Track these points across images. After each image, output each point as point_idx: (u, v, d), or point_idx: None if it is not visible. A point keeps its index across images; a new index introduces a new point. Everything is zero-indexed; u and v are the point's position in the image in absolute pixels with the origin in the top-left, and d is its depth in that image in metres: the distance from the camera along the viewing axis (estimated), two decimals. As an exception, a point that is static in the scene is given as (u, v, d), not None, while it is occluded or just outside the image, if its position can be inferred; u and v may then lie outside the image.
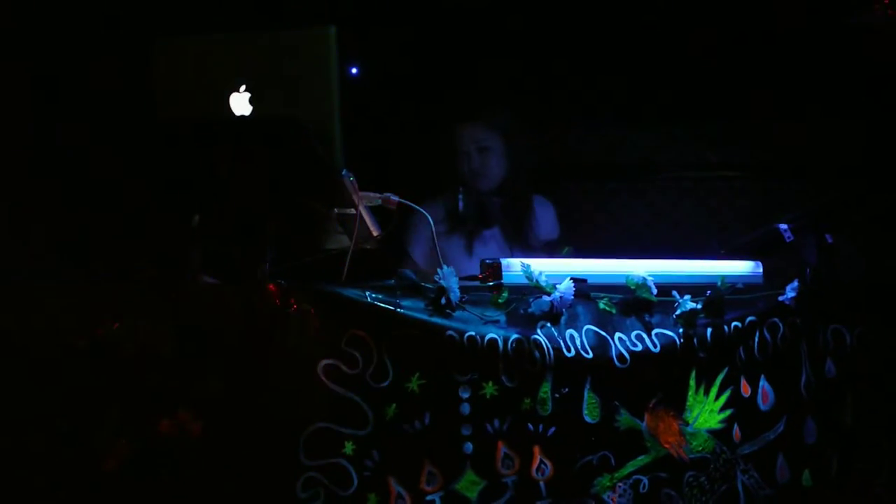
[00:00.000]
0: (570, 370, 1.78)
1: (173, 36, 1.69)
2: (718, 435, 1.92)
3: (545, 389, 1.76)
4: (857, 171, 3.60)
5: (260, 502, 1.58)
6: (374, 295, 1.68)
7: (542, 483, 1.76)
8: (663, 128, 4.24)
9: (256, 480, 1.59)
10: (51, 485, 1.49)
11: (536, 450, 1.76)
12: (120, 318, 1.55)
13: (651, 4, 3.61)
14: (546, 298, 1.79)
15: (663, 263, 1.99)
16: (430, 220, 1.82)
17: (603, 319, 1.85)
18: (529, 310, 1.79)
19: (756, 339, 1.98)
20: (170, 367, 1.56)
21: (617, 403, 1.81)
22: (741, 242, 2.38)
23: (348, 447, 1.63)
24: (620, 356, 1.83)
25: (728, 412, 1.94)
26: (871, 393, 2.13)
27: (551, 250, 2.63)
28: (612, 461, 1.80)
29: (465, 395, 1.72)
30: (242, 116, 1.65)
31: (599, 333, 1.83)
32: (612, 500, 1.80)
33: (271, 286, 1.59)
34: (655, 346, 1.86)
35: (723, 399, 1.94)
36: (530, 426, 1.75)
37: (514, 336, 1.75)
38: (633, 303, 1.89)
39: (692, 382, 1.91)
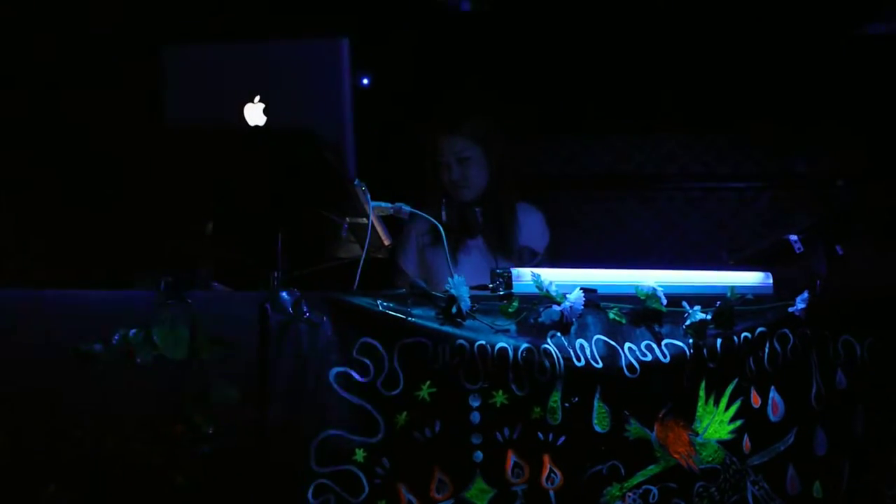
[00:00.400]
0: (579, 380, 1.79)
1: (186, 44, 1.72)
2: (728, 446, 1.92)
3: (555, 399, 1.77)
4: (866, 181, 3.60)
5: (271, 509, 1.60)
6: (385, 303, 1.69)
7: (551, 492, 1.76)
8: (672, 138, 4.27)
9: (268, 486, 1.60)
10: (62, 488, 1.51)
11: (546, 459, 1.76)
12: (135, 324, 1.57)
13: (661, 15, 3.63)
14: (556, 308, 1.80)
15: (673, 274, 2.00)
16: (443, 231, 1.83)
17: (613, 329, 1.85)
18: (540, 319, 1.79)
19: (766, 350, 1.99)
20: (184, 373, 1.58)
21: (627, 413, 1.81)
22: (751, 253, 2.38)
23: (359, 454, 1.65)
24: (630, 366, 1.83)
25: (738, 423, 1.94)
26: (882, 404, 2.13)
27: (521, 257, 2.65)
28: (622, 471, 1.81)
29: (476, 404, 1.73)
30: (257, 126, 1.67)
31: (609, 343, 1.84)
32: (621, 509, 1.81)
33: (283, 293, 1.61)
34: (665, 357, 1.87)
35: (733, 410, 1.94)
36: (540, 435, 1.76)
37: (525, 345, 1.76)
38: (643, 313, 1.89)
39: (702, 393, 1.91)
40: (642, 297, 1.89)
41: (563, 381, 1.77)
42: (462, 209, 2.62)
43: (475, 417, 1.72)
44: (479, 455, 1.72)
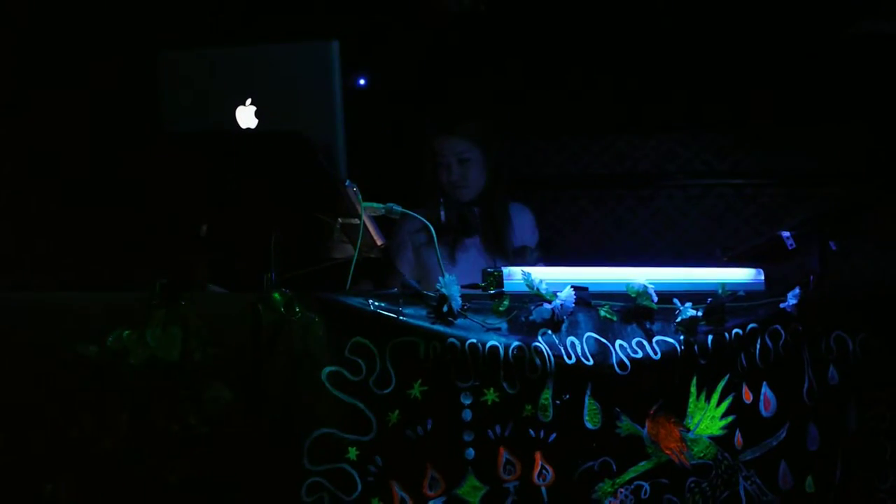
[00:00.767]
0: (570, 377, 1.80)
1: (179, 48, 1.74)
2: (720, 441, 1.93)
3: (546, 396, 1.78)
4: (865, 177, 3.60)
5: (265, 507, 1.61)
6: (376, 303, 1.71)
7: (543, 489, 1.78)
8: (671, 135, 4.27)
9: (261, 485, 1.62)
10: (60, 487, 1.53)
11: (538, 456, 1.78)
12: (129, 325, 1.59)
13: (660, 13, 3.64)
14: (547, 306, 1.81)
15: (664, 271, 2.01)
16: (433, 229, 1.85)
17: (604, 327, 1.87)
18: (531, 317, 1.81)
19: (758, 346, 2.00)
20: (178, 374, 1.60)
21: (618, 410, 1.83)
22: (744, 250, 2.39)
23: (352, 453, 1.66)
24: (621, 363, 1.85)
25: (730, 419, 1.95)
26: (874, 399, 2.14)
27: (522, 257, 2.69)
28: (614, 467, 1.82)
29: (467, 402, 1.74)
30: (248, 129, 1.69)
31: (600, 341, 1.85)
32: (613, 505, 1.82)
33: (275, 293, 1.63)
34: (656, 354, 1.88)
35: (724, 406, 1.95)
36: (532, 432, 1.77)
37: (516, 343, 1.78)
38: (635, 310, 1.91)
39: (693, 389, 1.92)
40: (633, 295, 1.91)
41: (553, 379, 1.78)
42: (461, 209, 2.65)
43: (467, 415, 1.74)
44: (470, 452, 1.74)
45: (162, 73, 1.71)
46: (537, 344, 1.79)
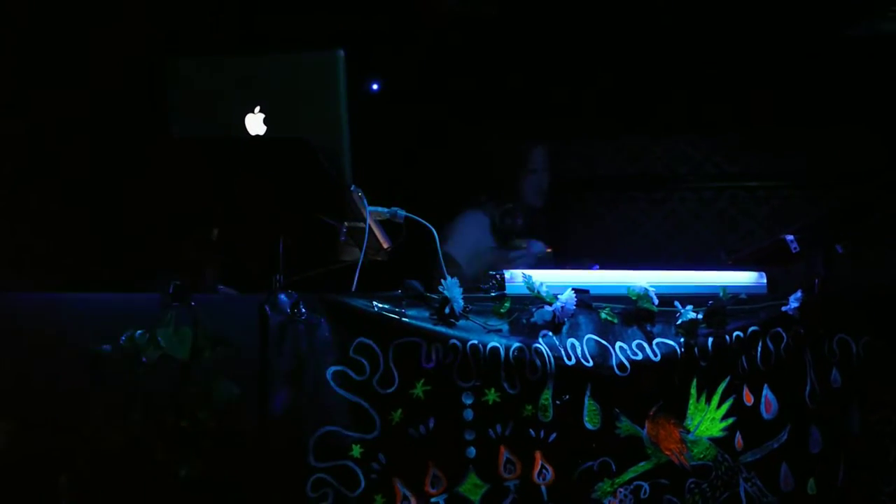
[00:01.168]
0: (570, 378, 1.84)
1: (188, 54, 1.80)
2: (720, 443, 1.96)
3: (546, 396, 1.82)
4: (873, 178, 3.59)
5: (271, 501, 1.66)
6: (380, 304, 1.76)
7: (543, 487, 1.81)
8: (683, 138, 4.28)
9: (268, 480, 1.67)
10: (74, 480, 1.59)
11: (538, 455, 1.81)
12: (142, 325, 1.65)
13: (671, 16, 3.65)
14: (548, 308, 1.85)
15: (666, 274, 2.04)
16: (436, 233, 1.89)
17: (604, 329, 1.90)
18: (532, 319, 1.85)
19: (759, 349, 2.01)
20: (188, 372, 1.65)
21: (617, 411, 1.86)
22: (747, 253, 2.41)
23: (356, 450, 1.71)
24: (621, 365, 1.88)
25: (730, 420, 1.97)
26: (878, 402, 2.14)
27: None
28: (613, 467, 1.85)
29: (469, 402, 1.78)
30: (256, 136, 1.75)
31: (600, 342, 1.88)
32: (612, 504, 1.85)
33: (282, 295, 1.68)
34: (656, 355, 1.91)
35: (725, 407, 1.97)
36: (532, 432, 1.81)
37: (516, 345, 1.81)
38: (635, 313, 1.94)
39: (693, 391, 1.94)
40: (634, 298, 1.93)
41: (553, 380, 1.82)
42: (532, 214, 2.88)
43: (468, 415, 1.78)
44: (472, 451, 1.77)
45: (170, 79, 1.77)
46: (538, 345, 1.83)
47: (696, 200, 4.30)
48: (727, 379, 1.97)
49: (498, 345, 1.80)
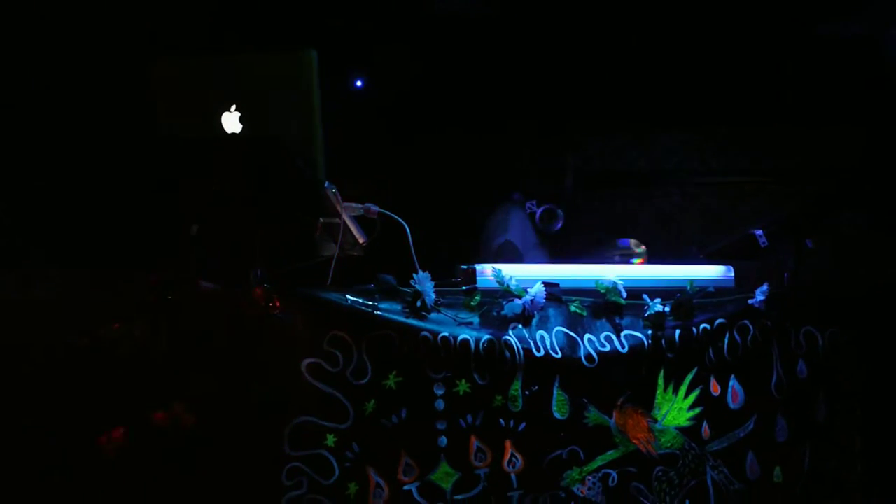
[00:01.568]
0: (539, 369, 1.89)
1: (170, 56, 1.84)
2: (687, 432, 2.01)
3: (516, 387, 1.87)
4: (858, 174, 3.63)
5: (247, 490, 1.71)
6: (353, 298, 1.80)
7: (513, 475, 1.86)
8: (668, 134, 4.32)
9: (244, 469, 1.72)
10: (52, 472, 1.64)
11: (508, 444, 1.86)
12: (119, 319, 1.70)
13: (658, 14, 3.69)
14: (518, 301, 1.90)
15: (635, 268, 2.09)
16: (408, 229, 1.94)
17: (574, 321, 1.95)
18: (502, 312, 1.90)
19: (726, 341, 2.06)
20: (165, 364, 1.70)
21: (585, 401, 1.91)
22: (718, 248, 2.46)
23: (330, 440, 1.76)
24: (589, 356, 1.93)
25: (697, 410, 2.02)
26: (844, 392, 2.20)
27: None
28: (582, 455, 1.90)
29: (440, 392, 1.83)
30: (232, 134, 1.79)
31: (569, 335, 1.93)
32: (581, 492, 1.90)
33: (257, 290, 1.73)
34: (624, 347, 1.96)
35: (692, 398, 2.03)
36: (502, 422, 1.86)
37: (486, 337, 1.86)
38: (604, 306, 1.99)
39: (661, 381, 1.99)
40: (603, 291, 1.98)
41: (523, 371, 1.87)
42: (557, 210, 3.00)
43: (440, 405, 1.83)
44: (443, 440, 1.83)
45: (154, 80, 1.81)
46: (507, 337, 1.88)
47: (680, 195, 4.36)
48: (694, 370, 2.02)
49: (468, 337, 1.85)
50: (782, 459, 2.10)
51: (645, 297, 2.01)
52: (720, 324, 2.06)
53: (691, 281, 2.05)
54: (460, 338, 1.84)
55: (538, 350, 1.89)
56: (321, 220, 1.91)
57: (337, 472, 1.76)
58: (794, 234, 2.32)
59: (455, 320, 1.85)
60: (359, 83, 3.38)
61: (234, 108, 1.81)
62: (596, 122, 4.12)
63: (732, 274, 2.17)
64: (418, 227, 1.97)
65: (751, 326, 2.09)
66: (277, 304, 1.73)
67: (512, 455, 1.87)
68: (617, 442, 1.94)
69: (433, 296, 1.84)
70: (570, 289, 1.99)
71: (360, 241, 2.03)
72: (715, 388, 2.05)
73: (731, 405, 2.06)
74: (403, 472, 1.81)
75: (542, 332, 1.91)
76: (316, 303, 1.79)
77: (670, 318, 2.01)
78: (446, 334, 1.83)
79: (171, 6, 2.64)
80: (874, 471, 2.17)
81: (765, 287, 2.10)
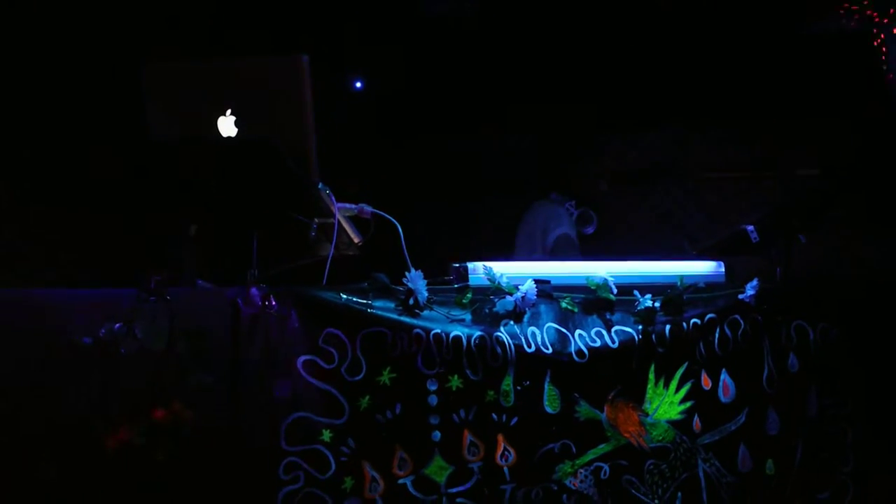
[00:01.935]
0: (530, 364, 1.92)
1: (165, 62, 1.88)
2: (679, 425, 2.03)
3: (507, 382, 1.90)
4: (858, 170, 3.64)
5: (245, 484, 1.75)
6: (347, 296, 1.84)
7: (506, 469, 1.90)
8: (668, 132, 4.34)
9: (241, 464, 1.76)
10: (57, 465, 1.69)
11: (500, 438, 1.90)
12: (121, 318, 1.75)
13: (658, 12, 3.70)
14: (510, 298, 1.93)
15: (626, 264, 2.11)
16: (400, 228, 1.97)
17: (565, 317, 1.98)
18: (494, 309, 1.93)
19: (716, 336, 2.09)
20: (165, 362, 1.75)
21: (577, 395, 1.94)
22: (711, 243, 2.48)
23: (326, 435, 1.80)
24: (579, 351, 1.96)
25: (688, 404, 2.05)
26: (835, 385, 2.21)
27: None
28: (574, 449, 1.93)
29: (433, 388, 1.87)
30: (227, 137, 1.83)
31: (560, 330, 1.96)
32: (573, 485, 1.93)
33: (253, 289, 1.77)
34: (614, 342, 1.99)
35: (683, 392, 2.05)
36: (494, 416, 1.89)
37: (478, 333, 1.90)
38: (596, 302, 2.02)
39: (651, 376, 2.02)
40: (593, 287, 2.02)
41: (514, 366, 1.90)
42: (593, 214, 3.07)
43: (433, 400, 1.87)
44: (437, 435, 1.86)
45: (148, 84, 1.85)
46: (499, 334, 1.91)
47: (679, 191, 4.38)
48: (685, 364, 2.05)
49: (460, 334, 1.89)
50: (774, 452, 2.12)
51: (636, 293, 2.04)
52: (711, 319, 2.09)
53: (681, 277, 2.08)
54: (452, 334, 1.88)
55: (529, 346, 1.93)
56: (316, 220, 1.95)
57: (333, 467, 1.80)
58: (784, 229, 2.34)
59: (447, 317, 1.89)
60: (358, 84, 3.42)
61: (229, 111, 1.85)
62: (595, 117, 4.15)
63: (723, 270, 2.20)
64: (413, 226, 2.01)
65: (741, 321, 2.12)
66: (273, 302, 1.78)
67: (504, 449, 1.90)
68: (608, 436, 1.97)
69: (426, 293, 1.88)
70: (562, 285, 2.02)
71: (356, 240, 2.07)
72: (706, 383, 2.08)
73: (723, 399, 2.09)
74: (398, 466, 1.85)
75: (533, 328, 1.94)
76: (311, 301, 1.83)
77: (660, 313, 2.04)
78: (439, 331, 1.87)
79: (169, 9, 2.69)
80: (866, 463, 2.19)
81: (755, 282, 2.12)
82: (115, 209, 2.39)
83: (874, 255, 3.20)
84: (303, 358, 1.80)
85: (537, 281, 1.96)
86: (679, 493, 2.02)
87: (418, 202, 3.52)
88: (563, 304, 1.99)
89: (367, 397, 1.83)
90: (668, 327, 2.04)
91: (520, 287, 1.93)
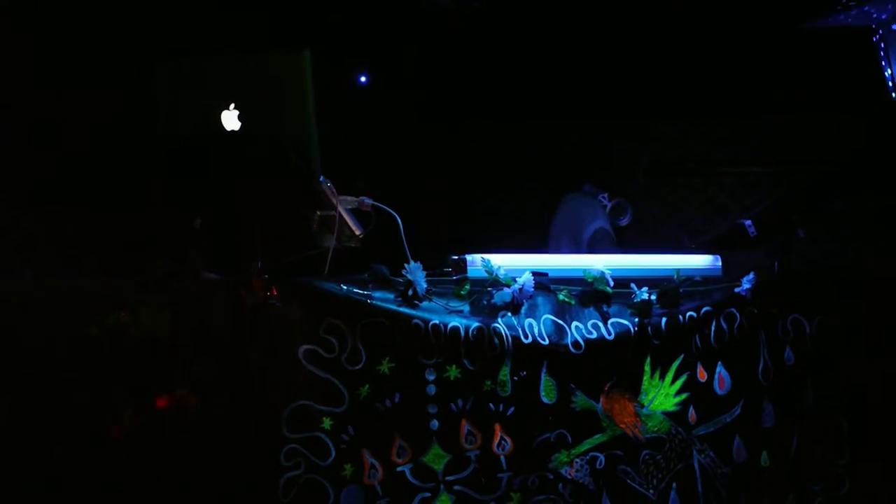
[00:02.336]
0: (527, 355, 1.95)
1: (171, 59, 1.92)
2: (674, 417, 2.07)
3: (504, 372, 1.94)
4: (862, 164, 3.65)
5: (247, 470, 1.80)
6: (348, 287, 1.88)
7: (502, 457, 1.93)
8: (673, 126, 4.35)
9: (244, 450, 1.80)
10: (64, 451, 1.74)
11: (497, 427, 1.93)
12: (126, 307, 1.79)
13: (663, 7, 3.71)
14: (507, 290, 1.97)
15: (623, 258, 2.14)
16: (400, 220, 2.01)
17: (562, 309, 2.02)
18: (492, 301, 1.96)
19: (712, 328, 2.12)
20: (169, 350, 1.79)
21: (573, 386, 1.97)
22: (709, 237, 2.51)
23: (326, 423, 1.84)
24: (576, 343, 1.99)
25: (684, 396, 2.08)
26: (831, 378, 2.24)
27: None
28: (569, 439, 1.97)
29: (431, 377, 1.90)
30: (231, 132, 1.87)
31: (557, 322, 2.00)
32: (569, 474, 1.97)
33: (256, 280, 1.81)
34: (610, 334, 2.02)
35: (678, 384, 2.08)
36: (491, 406, 1.93)
37: (476, 324, 1.93)
38: (592, 294, 2.05)
39: (647, 368, 2.05)
40: (590, 280, 2.04)
41: (511, 357, 1.94)
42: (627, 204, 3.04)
43: (431, 390, 1.90)
44: (435, 423, 1.90)
45: (157, 80, 1.90)
46: (496, 325, 1.95)
47: (685, 187, 4.39)
48: (681, 357, 2.08)
49: (458, 324, 1.92)
50: (769, 444, 2.15)
51: (632, 285, 2.07)
52: (707, 311, 2.11)
53: (678, 270, 2.10)
54: (451, 325, 1.92)
55: (526, 337, 1.96)
56: (318, 213, 1.99)
57: (333, 454, 1.84)
58: (782, 223, 2.36)
59: (446, 308, 1.93)
60: (363, 79, 3.45)
61: (232, 106, 1.89)
62: (600, 112, 4.17)
63: (720, 263, 2.22)
64: (417, 219, 2.04)
65: (737, 314, 2.14)
66: (275, 293, 1.82)
67: (501, 438, 1.94)
68: (604, 426, 2.01)
69: (424, 285, 1.91)
70: (559, 278, 2.05)
71: (357, 232, 2.10)
72: (702, 375, 2.10)
73: (718, 391, 2.12)
74: (397, 454, 1.89)
75: (530, 319, 1.98)
76: (312, 292, 1.87)
77: (657, 306, 2.07)
78: (437, 322, 1.91)
79: (174, 7, 2.73)
80: (861, 455, 2.22)
81: (751, 276, 2.15)
82: (123, 203, 2.45)
83: (871, 250, 3.21)
84: (304, 347, 1.84)
85: (535, 273, 1.99)
86: (674, 484, 2.05)
87: (422, 195, 3.56)
88: (561, 297, 2.02)
89: (367, 386, 1.86)
90: (664, 320, 2.07)
91: (517, 279, 1.97)
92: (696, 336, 2.10)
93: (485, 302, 1.96)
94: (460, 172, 3.91)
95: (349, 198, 2.00)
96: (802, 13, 3.11)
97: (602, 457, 2.00)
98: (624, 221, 2.95)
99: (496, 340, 1.93)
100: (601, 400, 2.00)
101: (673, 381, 2.08)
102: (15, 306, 1.80)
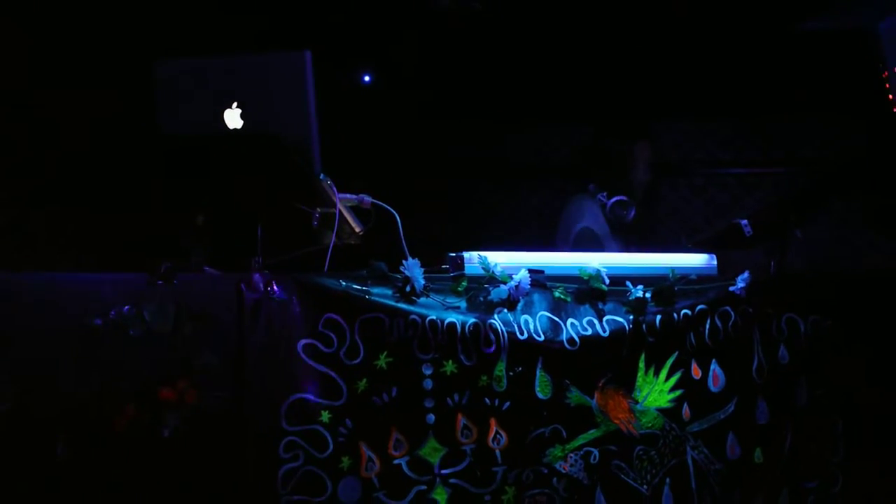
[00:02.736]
0: (523, 351, 1.98)
1: (173, 57, 1.96)
2: (668, 413, 2.09)
3: (500, 368, 1.97)
4: (862, 166, 3.66)
5: (246, 461, 1.84)
6: (347, 283, 1.92)
7: (497, 451, 1.96)
8: (674, 126, 4.37)
9: (244, 443, 1.84)
10: (67, 442, 1.78)
11: (493, 422, 1.96)
12: (130, 302, 1.83)
13: (663, 7, 3.73)
14: (504, 287, 2.00)
15: (619, 256, 2.17)
16: (398, 218, 2.04)
17: (557, 306, 2.04)
18: (489, 297, 1.99)
19: (707, 327, 2.14)
20: (171, 344, 1.83)
21: (567, 382, 2.00)
22: (706, 237, 2.53)
23: (325, 416, 1.88)
24: (571, 339, 2.02)
25: (678, 392, 2.10)
26: (825, 376, 2.26)
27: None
28: (564, 434, 2.00)
29: (428, 372, 1.94)
30: (234, 130, 1.91)
31: (553, 319, 2.03)
32: (563, 468, 2.00)
33: (257, 275, 1.85)
34: (605, 331, 2.05)
35: (672, 380, 2.11)
36: (487, 400, 1.96)
37: (472, 320, 1.96)
38: (588, 292, 2.08)
39: (641, 364, 2.08)
40: (586, 278, 2.07)
41: (507, 353, 1.97)
42: (633, 206, 3.02)
43: (428, 384, 1.94)
44: (431, 417, 1.93)
45: (158, 80, 1.94)
46: (493, 321, 1.98)
47: (686, 187, 4.41)
48: (675, 354, 2.11)
49: (455, 320, 1.95)
50: (763, 441, 2.17)
51: (628, 283, 2.10)
52: (701, 310, 2.14)
53: (673, 269, 2.13)
54: (447, 321, 1.95)
55: (522, 333, 1.99)
56: (318, 210, 2.03)
57: (331, 447, 1.87)
58: (779, 222, 2.38)
59: (443, 304, 1.96)
60: (367, 78, 3.49)
61: (235, 105, 1.93)
62: (601, 112, 4.19)
63: (715, 262, 2.24)
64: (412, 217, 2.08)
65: (732, 312, 2.17)
66: (275, 288, 1.85)
67: (497, 432, 1.97)
68: (598, 421, 2.03)
69: (422, 281, 1.94)
70: (555, 275, 2.08)
71: (357, 230, 2.14)
72: (696, 372, 2.13)
73: (712, 388, 2.14)
74: (394, 447, 1.92)
75: (526, 316, 2.01)
76: (312, 287, 1.90)
77: (652, 304, 2.09)
78: (434, 317, 1.94)
79: (175, 6, 2.76)
80: (855, 453, 2.23)
81: (746, 274, 2.17)
82: (123, 202, 2.49)
83: (869, 249, 3.23)
84: (303, 341, 1.88)
85: (531, 271, 2.02)
86: (668, 479, 2.08)
87: (422, 195, 3.59)
88: (556, 294, 2.05)
89: (365, 380, 1.90)
90: (658, 318, 2.09)
91: (514, 276, 2.00)
92: (691, 334, 2.13)
93: (481, 298, 1.99)
94: (460, 172, 3.95)
95: (349, 195, 2.04)
96: (803, 13, 3.13)
97: (596, 452, 2.03)
98: (629, 217, 2.97)
99: (492, 336, 1.97)
100: (596, 396, 2.03)
101: (667, 378, 2.11)
102: (19, 300, 1.84)
